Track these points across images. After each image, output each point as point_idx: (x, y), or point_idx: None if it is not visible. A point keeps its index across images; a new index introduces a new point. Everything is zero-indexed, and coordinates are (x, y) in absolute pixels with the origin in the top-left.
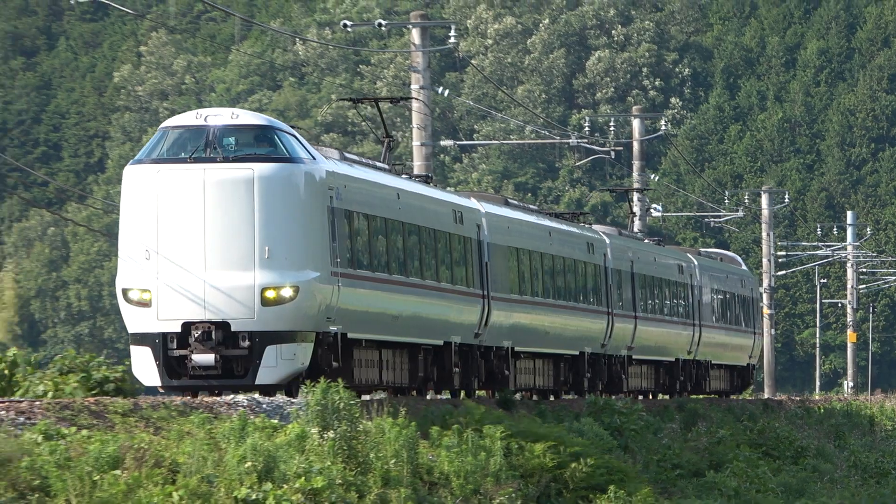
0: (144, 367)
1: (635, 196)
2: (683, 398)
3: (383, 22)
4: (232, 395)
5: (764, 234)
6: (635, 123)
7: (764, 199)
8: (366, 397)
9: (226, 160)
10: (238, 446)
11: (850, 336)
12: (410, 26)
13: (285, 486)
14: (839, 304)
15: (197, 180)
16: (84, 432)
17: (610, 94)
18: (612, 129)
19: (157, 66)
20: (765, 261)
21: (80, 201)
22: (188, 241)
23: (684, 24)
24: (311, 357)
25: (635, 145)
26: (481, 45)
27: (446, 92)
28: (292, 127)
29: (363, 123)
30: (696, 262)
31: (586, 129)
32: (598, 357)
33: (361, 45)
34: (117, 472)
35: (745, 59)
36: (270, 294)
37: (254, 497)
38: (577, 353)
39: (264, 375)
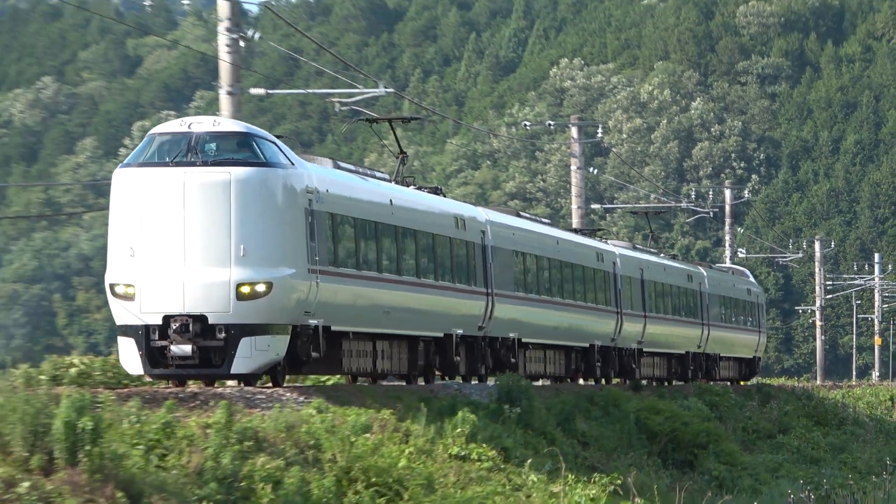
0: (129, 356)
1: (727, 243)
2: (758, 383)
3: (552, 122)
4: (441, 382)
5: (816, 270)
6: (727, 193)
7: (816, 245)
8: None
9: (205, 164)
10: (451, 418)
11: (877, 340)
12: (570, 125)
13: (484, 446)
14: (869, 318)
15: (178, 182)
16: (344, 408)
17: (709, 172)
18: (710, 196)
19: (392, 154)
20: (817, 287)
21: None
22: (169, 240)
23: (761, 123)
24: (287, 348)
25: (727, 208)
26: (619, 138)
27: (595, 170)
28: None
29: (378, 141)
30: (705, 274)
31: (692, 196)
32: (608, 349)
33: (536, 138)
34: (367, 435)
35: (804, 147)
36: (245, 289)
37: (463, 453)
38: (588, 345)
39: (239, 365)
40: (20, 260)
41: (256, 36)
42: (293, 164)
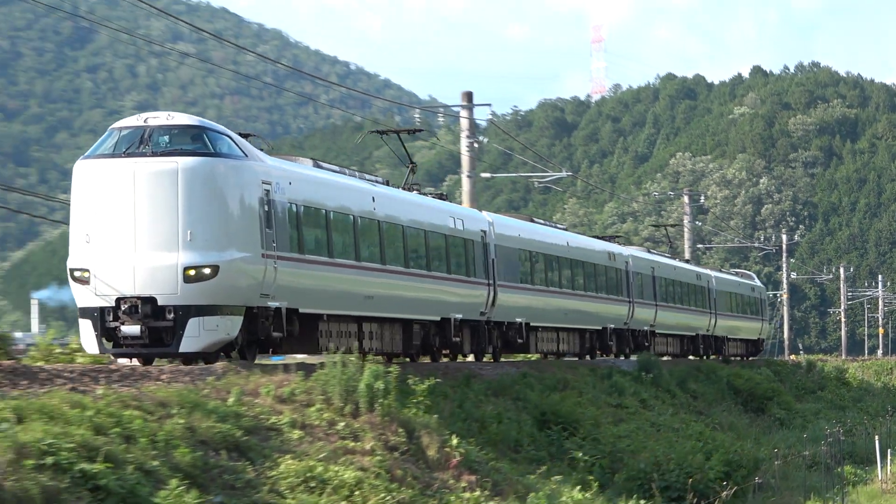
0: (87, 337)
1: (784, 268)
2: (765, 360)
3: (671, 192)
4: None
5: (841, 286)
6: (783, 237)
7: (841, 271)
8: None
9: (154, 154)
10: (609, 380)
11: (881, 330)
12: (684, 194)
13: (630, 398)
14: (875, 317)
15: (129, 172)
16: (542, 373)
17: (771, 223)
18: (773, 239)
19: (572, 213)
20: (842, 297)
21: None
22: (121, 226)
23: (805, 193)
24: (245, 328)
25: (783, 246)
26: (714, 202)
27: (699, 223)
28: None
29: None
30: (712, 274)
31: (762, 239)
32: (622, 331)
33: (661, 202)
34: (556, 392)
35: (832, 208)
36: (192, 272)
37: (616, 403)
38: (601, 327)
39: (187, 344)
40: None
41: (484, 140)
42: (247, 156)
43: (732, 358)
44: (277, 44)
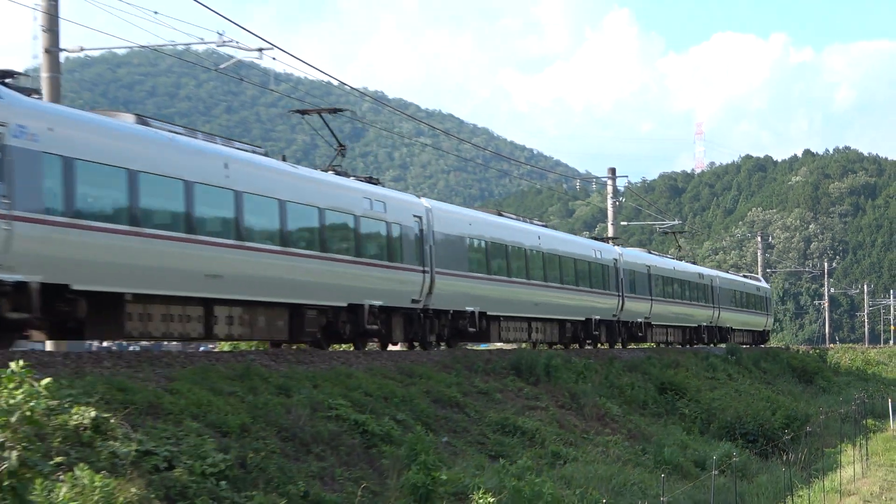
0: None
1: (826, 286)
2: (768, 347)
3: (749, 234)
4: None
5: (865, 298)
6: (825, 265)
7: (865, 287)
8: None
9: None
10: (705, 361)
11: (893, 327)
12: (758, 236)
13: (720, 372)
14: (890, 318)
15: None
16: (660, 356)
17: (817, 255)
18: (818, 266)
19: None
20: (865, 305)
21: None
22: None
23: (841, 235)
24: None
25: (825, 272)
26: (779, 241)
27: (769, 255)
28: None
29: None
30: (716, 274)
31: (810, 266)
32: (612, 322)
33: (743, 240)
34: (672, 369)
35: (859, 245)
36: None
37: (710, 376)
38: (584, 319)
39: None
40: None
41: (622, 199)
42: None
43: (741, 346)
44: (485, 137)
